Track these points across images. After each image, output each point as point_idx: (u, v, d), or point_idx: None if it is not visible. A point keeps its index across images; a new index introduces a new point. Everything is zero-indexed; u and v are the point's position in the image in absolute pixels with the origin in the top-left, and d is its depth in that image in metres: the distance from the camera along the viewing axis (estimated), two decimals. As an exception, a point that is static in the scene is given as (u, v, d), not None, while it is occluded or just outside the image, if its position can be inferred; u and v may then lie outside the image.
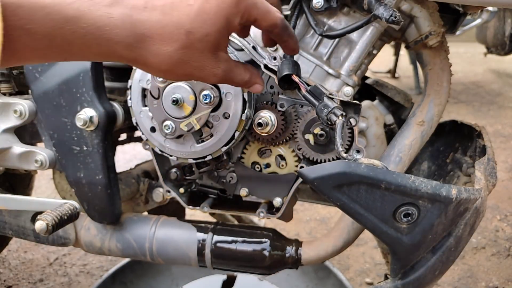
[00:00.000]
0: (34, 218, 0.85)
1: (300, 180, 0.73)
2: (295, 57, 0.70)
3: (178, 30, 0.43)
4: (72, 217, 0.75)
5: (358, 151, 0.69)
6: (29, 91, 0.76)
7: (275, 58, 0.69)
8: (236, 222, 1.26)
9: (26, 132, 0.83)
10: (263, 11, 0.48)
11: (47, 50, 0.39)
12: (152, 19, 0.42)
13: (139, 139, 0.95)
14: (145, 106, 0.70)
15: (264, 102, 0.71)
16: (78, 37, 0.39)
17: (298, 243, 0.79)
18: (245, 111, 0.66)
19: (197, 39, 0.43)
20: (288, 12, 0.78)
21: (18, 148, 0.80)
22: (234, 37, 0.69)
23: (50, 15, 0.37)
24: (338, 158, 0.71)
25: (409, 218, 0.55)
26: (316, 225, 1.76)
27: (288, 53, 0.57)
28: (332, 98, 0.57)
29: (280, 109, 0.67)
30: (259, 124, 0.68)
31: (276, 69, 0.68)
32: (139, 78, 0.68)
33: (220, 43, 0.46)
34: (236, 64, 0.50)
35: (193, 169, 0.78)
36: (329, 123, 0.55)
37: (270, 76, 0.71)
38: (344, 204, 0.55)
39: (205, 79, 0.48)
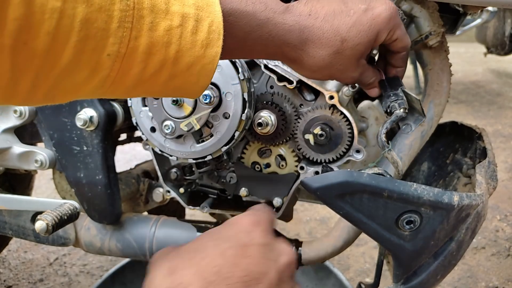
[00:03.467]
0: (34, 218, 0.85)
1: (300, 180, 0.73)
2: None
3: (335, 36, 0.47)
4: (72, 217, 0.75)
5: (358, 151, 0.69)
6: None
7: (275, 58, 0.69)
8: (236, 222, 1.26)
9: (26, 132, 0.83)
10: (403, 32, 0.53)
11: (237, 50, 0.46)
12: (316, 26, 0.47)
13: (139, 139, 0.94)
14: (145, 106, 0.70)
15: (264, 102, 0.71)
16: (262, 39, 0.45)
17: (298, 243, 0.79)
18: (245, 111, 0.66)
19: (349, 47, 0.48)
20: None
21: (18, 148, 0.80)
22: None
23: (249, 22, 0.44)
24: (338, 158, 0.71)
25: (412, 225, 0.56)
26: (316, 225, 1.76)
27: (392, 75, 0.61)
28: (407, 94, 0.59)
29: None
30: (259, 124, 0.68)
31: (275, 69, 0.68)
32: (139, 78, 0.68)
33: (365, 52, 0.50)
34: (368, 67, 0.56)
35: (193, 169, 0.78)
36: (388, 110, 0.57)
37: (270, 76, 0.71)
38: (347, 213, 0.55)
39: (342, 80, 0.54)
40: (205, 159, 0.71)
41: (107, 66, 0.36)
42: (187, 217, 0.93)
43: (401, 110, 0.57)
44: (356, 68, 0.52)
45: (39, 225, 0.70)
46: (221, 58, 0.44)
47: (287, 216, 0.79)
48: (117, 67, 0.37)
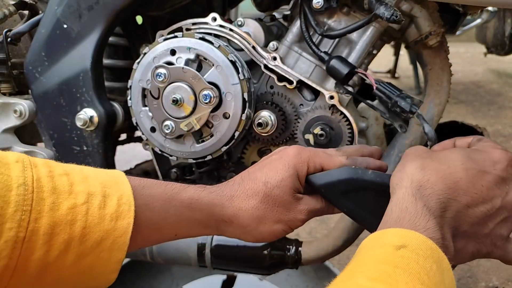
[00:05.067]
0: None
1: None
2: (295, 57, 0.71)
3: (257, 184, 0.50)
4: (72, 217, 0.75)
5: (358, 151, 0.69)
6: (29, 91, 0.76)
7: (275, 58, 0.69)
8: (236, 222, 1.25)
9: (26, 132, 0.83)
10: (326, 157, 0.54)
11: (163, 221, 0.46)
12: (234, 186, 0.51)
13: (139, 139, 0.94)
14: (145, 106, 0.70)
15: (264, 102, 0.71)
16: (185, 206, 0.47)
17: (298, 243, 0.79)
18: (245, 111, 0.66)
19: (275, 186, 0.50)
20: (288, 12, 0.78)
21: (18, 148, 0.80)
22: (234, 36, 0.69)
23: (165, 190, 0.45)
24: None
25: None
26: (316, 225, 1.76)
27: None
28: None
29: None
30: (259, 124, 0.68)
31: (275, 69, 0.68)
32: (139, 78, 0.68)
33: (296, 186, 0.52)
34: (313, 197, 0.55)
35: (193, 169, 0.78)
36: (412, 111, 0.60)
37: (270, 76, 0.71)
38: (351, 210, 0.55)
39: (294, 220, 0.52)
40: (205, 159, 0.71)
41: (5, 254, 0.34)
42: (187, 217, 0.93)
43: (418, 110, 0.60)
44: (297, 201, 0.52)
45: (39, 225, 0.70)
46: (150, 238, 0.45)
47: (287, 216, 0.79)
48: (17, 254, 0.35)
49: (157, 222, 0.45)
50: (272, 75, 0.70)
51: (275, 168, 0.51)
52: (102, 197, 0.39)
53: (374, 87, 0.63)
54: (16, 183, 0.35)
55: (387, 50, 3.95)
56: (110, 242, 0.40)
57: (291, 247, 0.77)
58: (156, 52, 0.66)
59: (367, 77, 0.64)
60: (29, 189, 0.35)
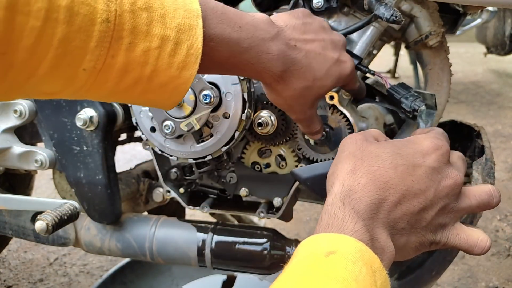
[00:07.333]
0: (34, 218, 0.85)
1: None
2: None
3: (310, 74, 0.52)
4: (72, 217, 0.75)
5: (358, 151, 0.69)
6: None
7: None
8: (236, 222, 1.26)
9: (26, 132, 0.83)
10: (355, 78, 0.60)
11: (213, 70, 0.49)
12: (297, 59, 0.51)
13: (139, 139, 0.94)
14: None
15: (264, 102, 0.71)
16: (241, 65, 0.48)
17: (298, 243, 0.79)
18: (245, 111, 0.66)
19: (317, 86, 0.53)
20: (288, 12, 0.78)
21: (18, 148, 0.80)
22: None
23: (230, 48, 0.45)
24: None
25: None
26: (316, 225, 1.76)
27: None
28: (420, 92, 0.63)
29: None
30: (259, 124, 0.68)
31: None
32: (139, 78, 0.68)
33: (323, 95, 0.56)
34: (317, 113, 0.60)
35: (193, 169, 0.78)
36: (414, 109, 0.61)
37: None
38: None
39: (297, 113, 0.57)
40: (205, 159, 0.71)
41: (82, 79, 0.39)
42: (187, 217, 0.93)
43: (423, 106, 0.60)
44: (313, 106, 0.57)
45: (39, 225, 0.70)
46: (210, 69, 0.47)
47: (287, 216, 0.79)
48: (92, 80, 0.39)
49: (210, 69, 0.47)
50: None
51: (330, 73, 0.54)
52: (174, 44, 0.41)
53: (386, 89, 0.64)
54: (100, 18, 0.36)
55: (387, 50, 3.95)
56: (172, 87, 0.43)
57: (291, 247, 0.78)
58: (156, 52, 0.66)
59: (385, 80, 0.65)
60: (111, 26, 0.37)
